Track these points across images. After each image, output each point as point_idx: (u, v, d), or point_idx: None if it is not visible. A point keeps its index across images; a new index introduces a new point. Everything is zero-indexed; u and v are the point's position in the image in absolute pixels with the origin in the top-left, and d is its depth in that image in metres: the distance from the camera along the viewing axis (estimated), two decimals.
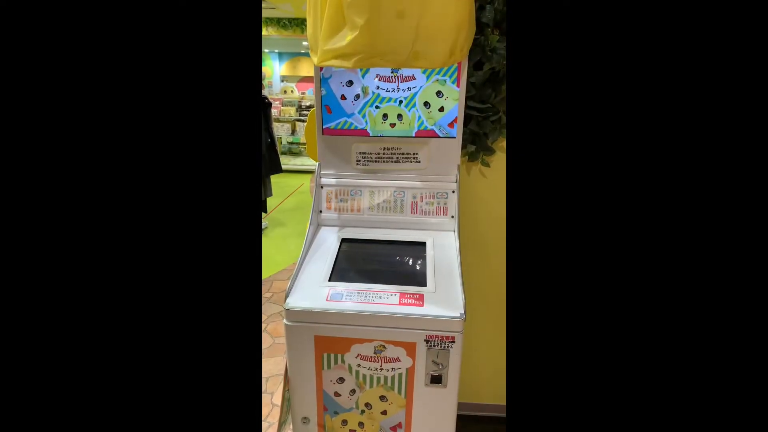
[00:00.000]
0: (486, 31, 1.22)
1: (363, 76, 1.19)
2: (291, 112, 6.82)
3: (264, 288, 2.79)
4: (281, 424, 1.09)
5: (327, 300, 1.01)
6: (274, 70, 7.98)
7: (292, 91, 7.44)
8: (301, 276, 1.10)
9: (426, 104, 1.19)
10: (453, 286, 1.05)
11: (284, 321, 1.02)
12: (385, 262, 1.22)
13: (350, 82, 1.20)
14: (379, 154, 1.25)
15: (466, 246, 1.38)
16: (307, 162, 6.46)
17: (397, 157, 1.24)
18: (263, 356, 2.11)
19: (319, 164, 1.29)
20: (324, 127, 1.24)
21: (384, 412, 1.07)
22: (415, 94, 1.18)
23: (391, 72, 1.18)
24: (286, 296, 1.02)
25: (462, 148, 1.23)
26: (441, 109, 1.19)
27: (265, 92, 3.64)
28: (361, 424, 1.09)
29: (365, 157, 1.26)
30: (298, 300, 1.02)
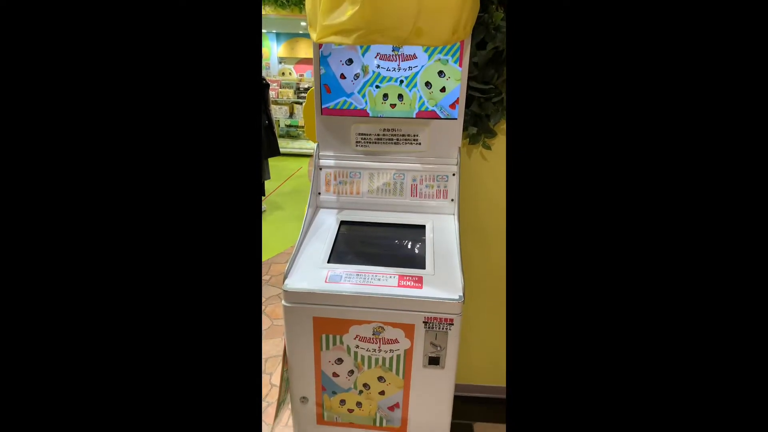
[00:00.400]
0: (490, 9, 1.19)
1: (363, 55, 1.16)
2: (289, 94, 6.72)
3: (262, 271, 2.80)
4: (280, 403, 1.10)
5: (326, 282, 1.01)
6: (271, 51, 7.82)
7: (290, 73, 7.32)
8: (300, 258, 1.09)
9: (427, 84, 1.16)
10: (452, 269, 1.04)
11: (283, 302, 1.01)
12: (384, 244, 1.22)
13: (350, 61, 1.17)
14: (378, 135, 1.23)
15: (466, 230, 1.37)
16: (305, 145, 6.40)
17: (397, 139, 1.22)
18: (263, 338, 2.12)
19: (318, 145, 1.26)
20: (323, 107, 1.21)
21: (382, 393, 1.08)
22: (417, 73, 1.16)
23: (392, 50, 1.15)
24: (285, 277, 1.02)
25: (463, 130, 1.22)
26: (442, 90, 1.16)
27: (262, 74, 3.57)
28: (359, 404, 1.10)
29: (365, 139, 1.24)
30: (297, 281, 1.01)
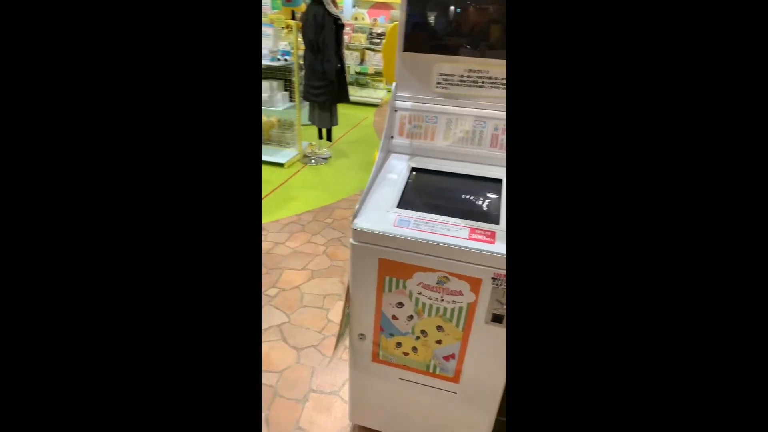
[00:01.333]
0: None
1: None
2: (361, 39, 6.53)
3: (325, 214, 2.89)
4: (339, 336, 1.15)
5: (394, 225, 0.99)
6: None
7: (362, 18, 7.07)
8: (369, 200, 1.08)
9: None
10: None
11: (350, 240, 1.02)
12: (456, 196, 1.16)
13: None
14: (462, 77, 1.13)
15: None
16: (373, 95, 6.29)
17: (483, 82, 1.12)
18: (322, 276, 2.22)
19: (396, 85, 1.20)
20: (406, 43, 1.13)
21: (439, 342, 1.08)
22: None
23: None
24: (354, 217, 1.02)
25: None
26: None
27: (337, 15, 3.46)
28: (414, 349, 1.12)
29: (446, 80, 1.15)
30: (366, 222, 1.01)
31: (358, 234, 1.01)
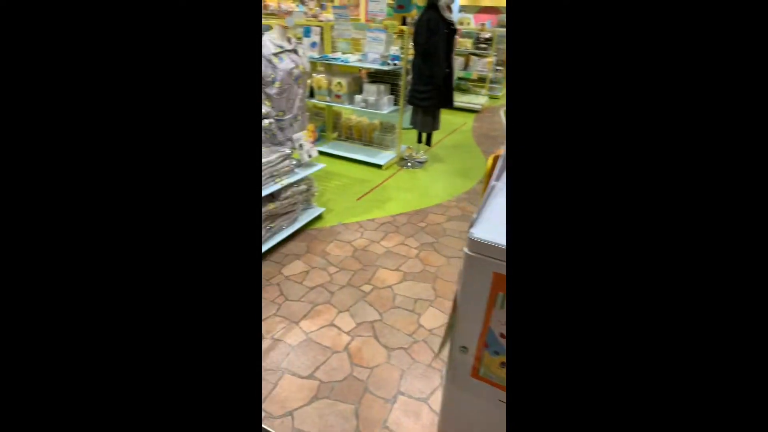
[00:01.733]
0: None
1: None
2: (467, 44, 6.45)
3: (419, 218, 2.90)
4: (443, 344, 1.13)
5: None
6: None
7: (468, 23, 6.97)
8: (487, 209, 1.04)
9: None
10: None
11: (465, 249, 0.99)
12: None
13: None
14: None
15: None
16: (474, 101, 6.16)
17: None
18: (415, 280, 2.23)
19: None
20: None
21: None
22: None
23: None
24: (471, 225, 0.99)
25: None
26: None
27: (451, 20, 3.44)
28: None
29: None
30: (483, 232, 0.97)
31: (474, 244, 0.97)
